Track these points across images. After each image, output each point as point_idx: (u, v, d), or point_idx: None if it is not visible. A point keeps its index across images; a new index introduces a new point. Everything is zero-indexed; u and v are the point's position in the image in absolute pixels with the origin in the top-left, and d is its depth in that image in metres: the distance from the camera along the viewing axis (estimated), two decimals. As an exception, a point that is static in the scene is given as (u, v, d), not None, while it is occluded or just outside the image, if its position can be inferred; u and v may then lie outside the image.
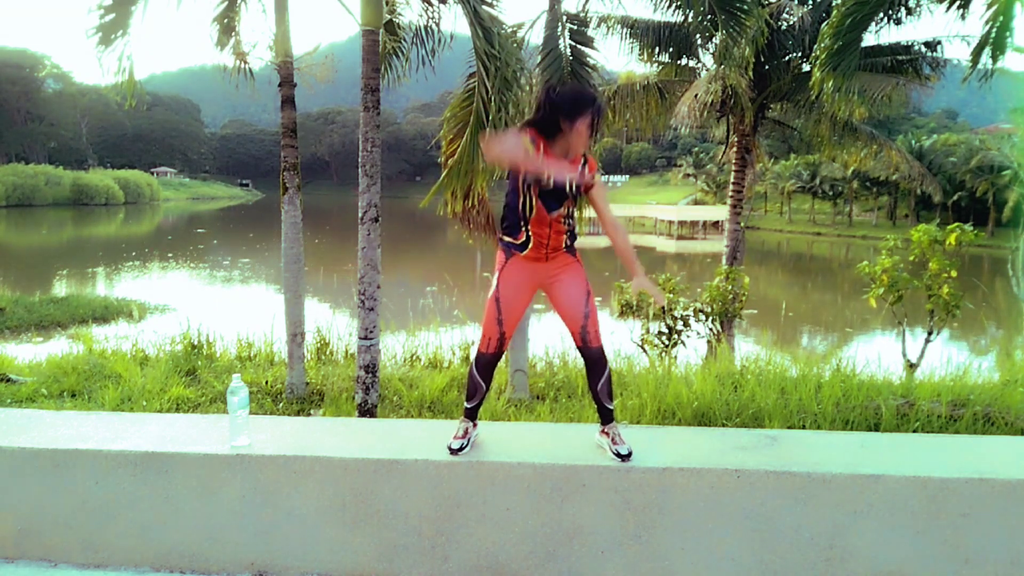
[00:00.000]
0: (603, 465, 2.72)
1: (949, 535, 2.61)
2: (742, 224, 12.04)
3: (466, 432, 2.89)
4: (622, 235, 2.89)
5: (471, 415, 2.95)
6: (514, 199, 2.79)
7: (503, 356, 2.93)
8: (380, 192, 5.88)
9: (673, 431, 3.35)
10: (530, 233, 2.80)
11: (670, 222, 51.22)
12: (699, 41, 11.06)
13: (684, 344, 8.31)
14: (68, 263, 27.57)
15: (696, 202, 60.54)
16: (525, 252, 2.82)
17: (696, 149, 65.42)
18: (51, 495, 2.85)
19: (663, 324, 8.27)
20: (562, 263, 2.87)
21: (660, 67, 11.90)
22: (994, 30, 6.15)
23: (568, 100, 2.71)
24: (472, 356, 3.38)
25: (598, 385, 2.85)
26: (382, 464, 2.76)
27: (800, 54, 11.32)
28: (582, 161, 2.81)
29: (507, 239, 2.86)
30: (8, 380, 6.79)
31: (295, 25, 6.58)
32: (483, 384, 2.92)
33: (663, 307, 8.17)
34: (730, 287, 8.42)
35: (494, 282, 2.87)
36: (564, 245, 2.86)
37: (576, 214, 2.98)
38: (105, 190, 73.36)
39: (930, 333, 7.83)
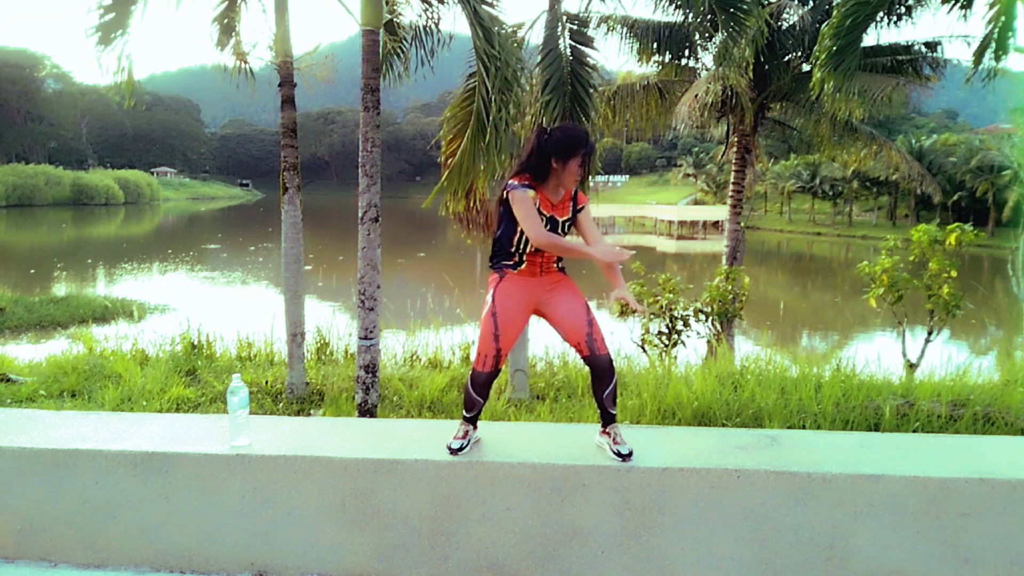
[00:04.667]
0: (603, 465, 2.72)
1: (949, 535, 2.61)
2: (742, 224, 12.04)
3: (466, 433, 2.88)
4: (604, 265, 2.94)
5: (471, 420, 2.95)
6: (509, 233, 2.83)
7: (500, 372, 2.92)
8: (380, 192, 5.87)
9: (673, 431, 3.35)
10: (524, 260, 2.87)
11: (670, 222, 51.21)
12: (699, 41, 11.06)
13: (684, 344, 8.30)
14: (68, 263, 27.57)
15: (696, 202, 60.57)
16: (519, 270, 2.87)
17: (696, 149, 65.39)
18: (51, 495, 2.85)
19: (663, 324, 8.27)
20: (555, 279, 2.92)
21: (660, 67, 11.89)
22: (996, 30, 6.14)
23: (560, 141, 2.77)
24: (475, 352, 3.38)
25: (604, 393, 2.84)
26: (382, 464, 2.76)
27: (800, 54, 11.32)
28: (573, 195, 2.90)
29: (498, 263, 2.91)
30: (8, 380, 6.79)
31: (295, 25, 6.58)
32: (480, 400, 2.91)
33: (662, 307, 8.17)
34: (730, 287, 8.42)
35: (489, 298, 2.86)
36: (556, 265, 2.93)
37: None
38: (105, 190, 73.38)
39: (930, 333, 7.83)
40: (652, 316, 8.31)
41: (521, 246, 2.84)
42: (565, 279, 2.95)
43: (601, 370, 2.81)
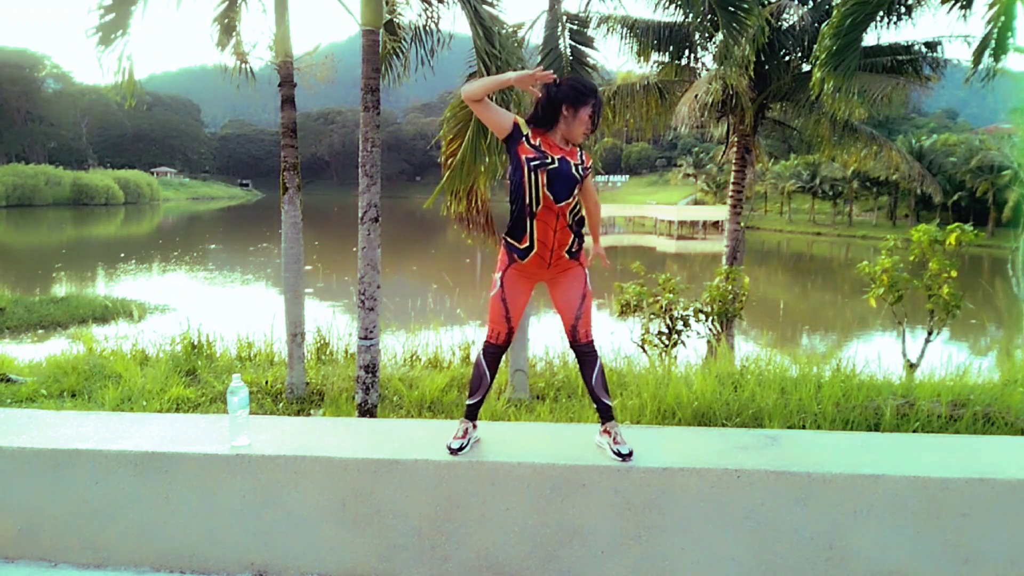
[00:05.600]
0: (603, 465, 2.72)
1: (949, 535, 2.61)
2: (742, 224, 12.04)
3: (466, 432, 2.89)
4: (598, 213, 3.18)
5: (471, 415, 2.95)
6: (520, 192, 2.78)
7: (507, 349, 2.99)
8: (380, 192, 5.88)
9: (673, 431, 3.35)
10: (535, 235, 2.80)
11: (670, 222, 51.21)
12: (699, 41, 11.06)
13: (684, 344, 8.30)
14: (68, 263, 27.57)
15: (696, 202, 60.57)
16: (527, 260, 2.85)
17: (696, 149, 65.39)
18: (51, 495, 2.85)
19: (663, 324, 8.27)
20: (564, 266, 2.91)
21: (660, 67, 11.90)
22: (995, 30, 6.15)
23: (572, 88, 2.80)
24: (477, 350, 3.43)
25: (592, 378, 2.88)
26: (382, 464, 2.76)
27: (800, 54, 11.32)
28: (579, 152, 2.90)
29: (511, 241, 2.87)
30: (8, 380, 6.79)
31: (295, 25, 6.59)
32: (488, 374, 2.93)
33: (662, 307, 8.17)
34: (730, 287, 8.42)
35: (497, 281, 2.90)
36: (569, 251, 2.87)
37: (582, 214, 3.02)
38: (105, 190, 73.34)
39: (930, 333, 7.83)
40: (652, 316, 8.31)
41: (533, 205, 2.77)
42: (575, 267, 2.93)
43: (582, 354, 2.91)
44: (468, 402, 2.96)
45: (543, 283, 2.99)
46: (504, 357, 3.03)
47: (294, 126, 6.65)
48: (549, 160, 2.76)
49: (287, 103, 6.60)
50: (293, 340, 6.64)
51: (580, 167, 2.83)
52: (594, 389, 2.89)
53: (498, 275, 2.91)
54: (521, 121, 2.80)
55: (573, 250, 2.89)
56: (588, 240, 2.97)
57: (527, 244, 2.82)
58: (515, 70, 5.75)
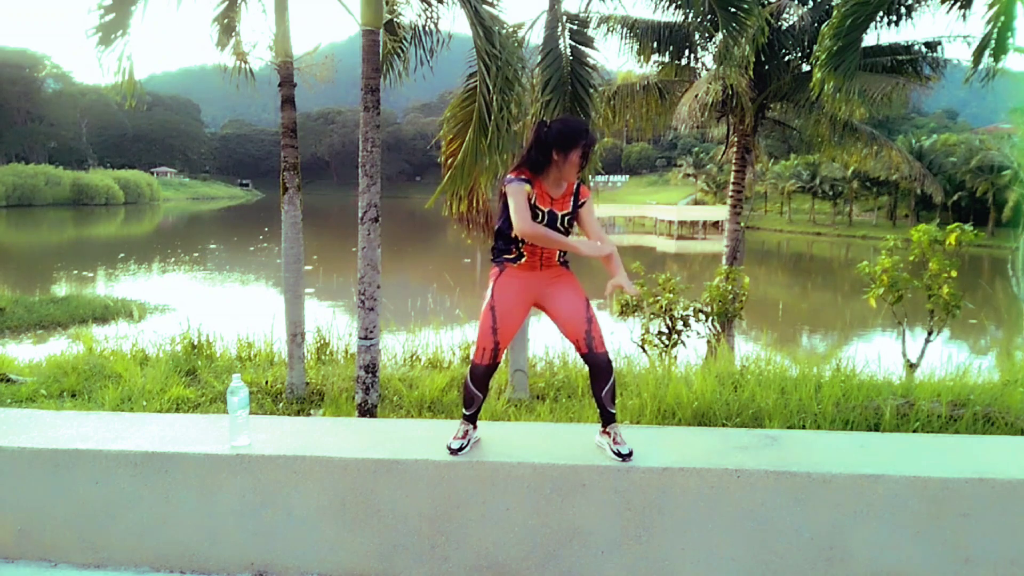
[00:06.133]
0: (603, 465, 2.72)
1: (949, 535, 2.62)
2: (742, 224, 12.04)
3: (466, 433, 2.89)
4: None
5: (471, 419, 2.95)
6: (508, 228, 2.84)
7: (499, 366, 2.93)
8: (380, 192, 5.87)
9: (673, 431, 3.36)
10: (523, 252, 2.87)
11: (670, 222, 51.22)
12: (699, 41, 11.06)
13: (684, 344, 8.30)
14: (68, 263, 27.56)
15: (696, 202, 60.55)
16: (519, 264, 2.88)
17: (696, 149, 65.40)
18: (51, 495, 2.85)
19: (663, 324, 8.27)
20: (556, 272, 2.92)
21: (660, 67, 11.90)
22: (995, 30, 6.14)
23: (560, 132, 2.78)
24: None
25: (603, 391, 2.84)
26: (382, 464, 2.76)
27: (800, 54, 11.33)
28: (575, 188, 2.90)
29: (501, 254, 2.92)
30: (8, 380, 6.79)
31: (295, 25, 6.58)
32: (479, 395, 2.92)
33: (662, 307, 8.17)
34: (730, 287, 8.41)
35: (488, 292, 2.89)
36: (558, 259, 2.93)
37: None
38: (105, 190, 73.41)
39: (930, 333, 7.83)
40: (652, 316, 8.31)
41: (519, 242, 2.85)
42: (567, 274, 2.95)
43: (598, 368, 2.83)
44: (465, 413, 2.95)
45: (538, 305, 2.94)
46: (504, 357, 3.01)
47: (294, 126, 6.65)
48: (539, 217, 2.80)
49: (287, 103, 6.60)
50: (293, 340, 6.64)
51: (567, 217, 2.87)
52: (602, 400, 2.86)
53: (489, 287, 2.90)
54: (528, 188, 2.78)
55: (562, 260, 2.94)
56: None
57: (516, 254, 2.88)
58: (515, 71, 5.78)
